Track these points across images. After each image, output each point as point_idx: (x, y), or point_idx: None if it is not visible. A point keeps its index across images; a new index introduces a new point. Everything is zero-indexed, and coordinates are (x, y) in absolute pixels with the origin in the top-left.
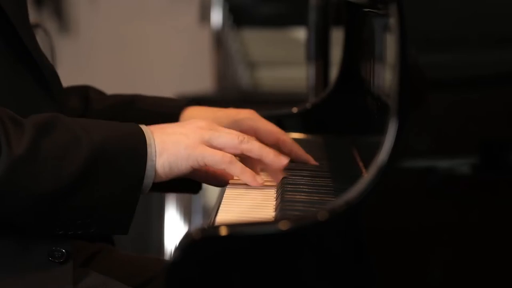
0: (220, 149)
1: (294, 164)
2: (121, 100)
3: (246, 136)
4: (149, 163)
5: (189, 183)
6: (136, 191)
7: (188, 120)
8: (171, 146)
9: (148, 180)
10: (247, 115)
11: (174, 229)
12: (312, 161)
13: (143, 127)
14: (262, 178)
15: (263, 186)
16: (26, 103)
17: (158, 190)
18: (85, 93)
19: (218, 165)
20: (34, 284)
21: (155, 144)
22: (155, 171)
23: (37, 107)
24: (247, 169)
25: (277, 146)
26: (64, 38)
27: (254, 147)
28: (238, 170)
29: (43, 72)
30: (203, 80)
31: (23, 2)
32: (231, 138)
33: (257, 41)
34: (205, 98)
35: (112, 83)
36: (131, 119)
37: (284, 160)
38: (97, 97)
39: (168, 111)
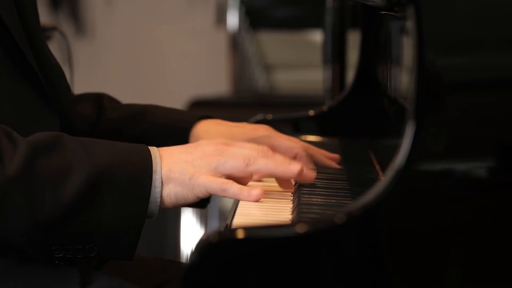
0: (228, 175)
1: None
2: (133, 111)
3: (252, 156)
4: (153, 189)
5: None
6: (140, 218)
7: (199, 140)
8: (177, 175)
9: (153, 207)
10: (264, 132)
11: (190, 232)
12: (334, 165)
13: (153, 151)
14: (258, 190)
15: (280, 189)
16: (24, 115)
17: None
18: (99, 100)
19: (218, 193)
20: (40, 285)
21: (161, 172)
22: (161, 198)
23: (35, 119)
24: (243, 188)
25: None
26: (80, 41)
27: (260, 167)
28: (235, 192)
29: (43, 84)
30: (219, 83)
31: (30, 10)
32: (237, 163)
33: (273, 44)
34: (221, 101)
35: (128, 86)
36: (142, 131)
37: (294, 168)
38: (110, 105)
39: (179, 125)
